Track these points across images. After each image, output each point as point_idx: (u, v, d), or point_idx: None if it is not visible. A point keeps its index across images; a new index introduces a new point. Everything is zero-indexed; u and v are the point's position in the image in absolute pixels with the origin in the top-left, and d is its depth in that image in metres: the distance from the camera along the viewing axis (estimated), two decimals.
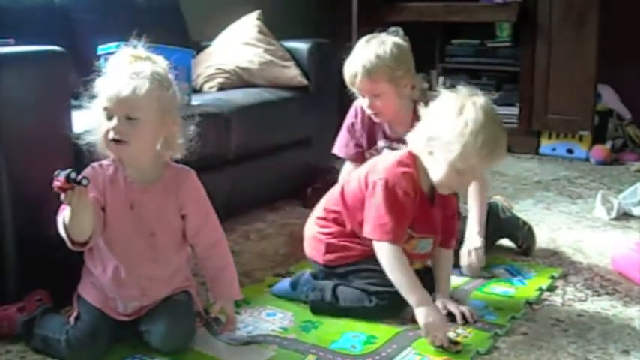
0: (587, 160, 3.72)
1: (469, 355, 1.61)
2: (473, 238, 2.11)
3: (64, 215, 1.49)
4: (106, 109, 1.52)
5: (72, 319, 1.60)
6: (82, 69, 2.37)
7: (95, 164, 1.61)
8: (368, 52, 2.04)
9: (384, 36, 2.10)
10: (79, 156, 1.84)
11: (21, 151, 1.72)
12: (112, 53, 2.21)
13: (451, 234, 1.91)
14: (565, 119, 3.73)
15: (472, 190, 2.15)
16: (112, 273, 1.61)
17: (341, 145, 2.28)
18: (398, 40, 2.10)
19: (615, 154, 3.76)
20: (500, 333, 1.72)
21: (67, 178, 1.39)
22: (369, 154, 2.22)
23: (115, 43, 2.23)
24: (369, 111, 2.12)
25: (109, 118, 1.52)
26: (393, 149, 2.17)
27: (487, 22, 3.99)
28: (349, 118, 2.25)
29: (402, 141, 2.15)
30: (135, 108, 1.51)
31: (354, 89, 2.11)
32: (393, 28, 2.15)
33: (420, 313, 1.67)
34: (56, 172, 1.41)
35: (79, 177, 1.40)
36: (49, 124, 1.79)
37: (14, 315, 1.67)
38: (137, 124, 1.52)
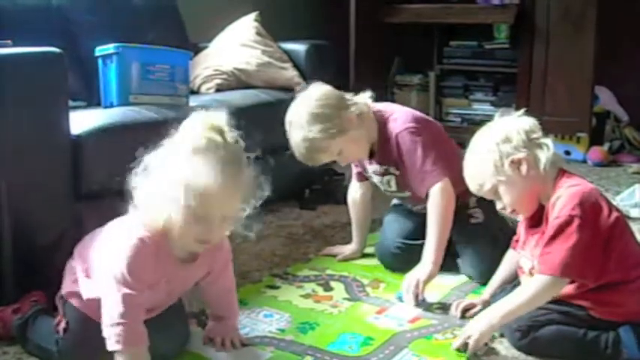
0: (584, 161, 3.72)
1: (466, 356, 1.62)
2: (425, 266, 1.90)
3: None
4: (196, 211, 1.34)
5: (60, 330, 1.53)
6: (80, 70, 2.40)
7: (143, 240, 1.39)
8: (296, 140, 1.93)
9: (299, 101, 1.95)
10: (77, 158, 1.85)
11: (18, 152, 1.72)
12: (109, 54, 2.24)
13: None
14: (562, 121, 3.73)
15: (431, 204, 1.93)
16: None
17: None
18: (314, 92, 1.95)
19: (613, 156, 3.76)
20: (497, 335, 1.72)
21: None
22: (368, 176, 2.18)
23: (113, 45, 2.24)
24: (344, 164, 2.09)
25: (200, 220, 1.36)
26: (379, 174, 2.11)
27: (485, 23, 3.99)
28: None
29: (385, 163, 2.06)
30: (232, 209, 1.39)
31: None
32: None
33: None
34: None
35: None
36: (46, 125, 1.78)
37: (9, 317, 1.66)
38: (229, 222, 1.42)
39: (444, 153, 1.99)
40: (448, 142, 2.11)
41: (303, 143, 1.93)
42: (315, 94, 1.96)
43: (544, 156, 1.62)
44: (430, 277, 1.89)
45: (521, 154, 1.61)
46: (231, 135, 1.41)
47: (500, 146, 1.61)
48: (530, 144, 1.62)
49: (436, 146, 1.98)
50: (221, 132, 1.40)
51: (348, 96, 2.02)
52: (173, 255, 1.47)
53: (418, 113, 2.10)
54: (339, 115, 1.93)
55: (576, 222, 1.51)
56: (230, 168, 1.36)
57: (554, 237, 1.54)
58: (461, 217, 2.01)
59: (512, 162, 1.61)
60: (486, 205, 1.84)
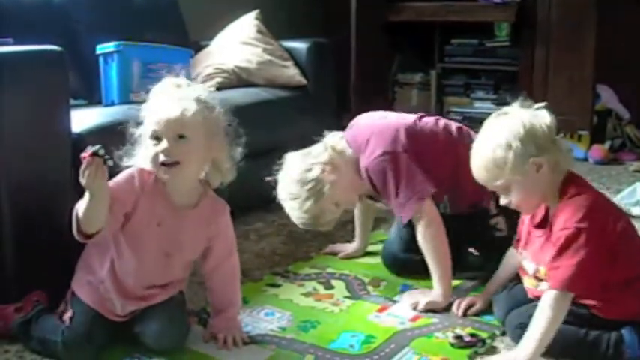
0: (585, 159, 3.71)
1: (466, 353, 1.62)
2: (434, 294, 1.88)
3: (79, 205, 1.48)
4: (155, 132, 1.52)
5: (67, 319, 1.58)
6: (81, 68, 2.40)
7: (144, 169, 1.58)
8: (295, 220, 1.92)
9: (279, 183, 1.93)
10: (78, 156, 1.85)
11: (19, 151, 1.72)
12: (110, 53, 2.24)
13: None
14: (564, 119, 3.65)
15: (419, 239, 1.88)
16: (118, 274, 1.60)
17: None
18: (284, 170, 1.93)
19: (614, 154, 3.75)
20: (497, 333, 1.72)
21: (94, 153, 1.42)
22: None
23: (114, 43, 2.24)
24: (355, 208, 2.16)
25: (158, 141, 1.52)
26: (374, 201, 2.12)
27: (486, 21, 3.99)
28: None
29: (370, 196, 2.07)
30: (184, 127, 1.51)
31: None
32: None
33: None
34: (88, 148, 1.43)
35: (106, 155, 1.43)
36: (47, 124, 1.79)
37: (11, 315, 1.67)
38: (186, 143, 1.52)
39: (438, 165, 1.90)
40: (449, 146, 1.95)
41: (301, 220, 1.91)
42: (283, 171, 1.94)
43: (564, 160, 1.58)
44: (435, 305, 1.85)
45: (544, 157, 1.55)
46: (195, 88, 1.62)
47: (523, 145, 1.54)
48: (553, 147, 1.58)
49: (418, 165, 1.87)
50: (182, 85, 1.59)
51: (316, 148, 1.97)
52: (170, 199, 1.59)
53: (395, 127, 1.92)
54: (306, 180, 1.89)
55: (583, 235, 1.49)
56: (184, 100, 1.53)
57: (561, 250, 1.51)
58: (482, 227, 1.94)
59: (534, 164, 1.55)
60: (510, 213, 1.73)
